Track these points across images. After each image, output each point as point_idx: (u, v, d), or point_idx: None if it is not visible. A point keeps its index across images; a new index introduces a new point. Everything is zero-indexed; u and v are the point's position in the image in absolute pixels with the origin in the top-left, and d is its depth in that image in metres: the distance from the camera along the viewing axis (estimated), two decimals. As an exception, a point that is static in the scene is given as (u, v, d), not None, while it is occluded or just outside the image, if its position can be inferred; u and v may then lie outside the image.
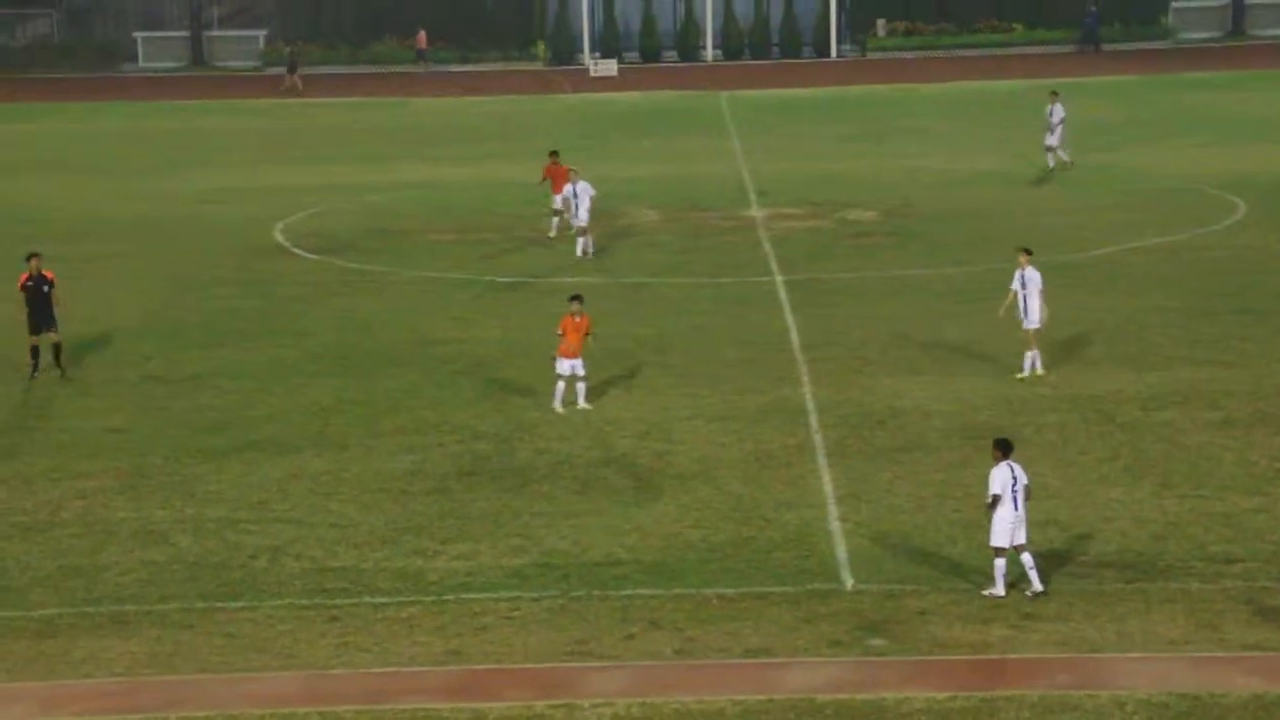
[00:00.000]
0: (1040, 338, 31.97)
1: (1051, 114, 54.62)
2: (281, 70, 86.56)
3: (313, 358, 34.71)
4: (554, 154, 47.29)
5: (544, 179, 47.07)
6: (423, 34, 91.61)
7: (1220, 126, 65.44)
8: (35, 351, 33.38)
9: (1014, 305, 32.07)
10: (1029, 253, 32.36)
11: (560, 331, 30.67)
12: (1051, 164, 54.79)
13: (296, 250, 45.52)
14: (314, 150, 65.22)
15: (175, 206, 52.48)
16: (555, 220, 45.96)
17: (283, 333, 36.76)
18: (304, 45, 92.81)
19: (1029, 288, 31.93)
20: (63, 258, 43.08)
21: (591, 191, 43.65)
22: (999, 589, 22.25)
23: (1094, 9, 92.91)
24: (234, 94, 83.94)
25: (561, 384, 30.50)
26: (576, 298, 31.07)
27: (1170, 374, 31.90)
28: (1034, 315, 31.88)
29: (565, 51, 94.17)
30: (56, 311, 33.49)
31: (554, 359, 30.55)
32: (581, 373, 30.59)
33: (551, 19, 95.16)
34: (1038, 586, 22.20)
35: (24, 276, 33.65)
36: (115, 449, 28.97)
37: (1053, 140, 54.72)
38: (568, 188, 43.93)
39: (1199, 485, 26.15)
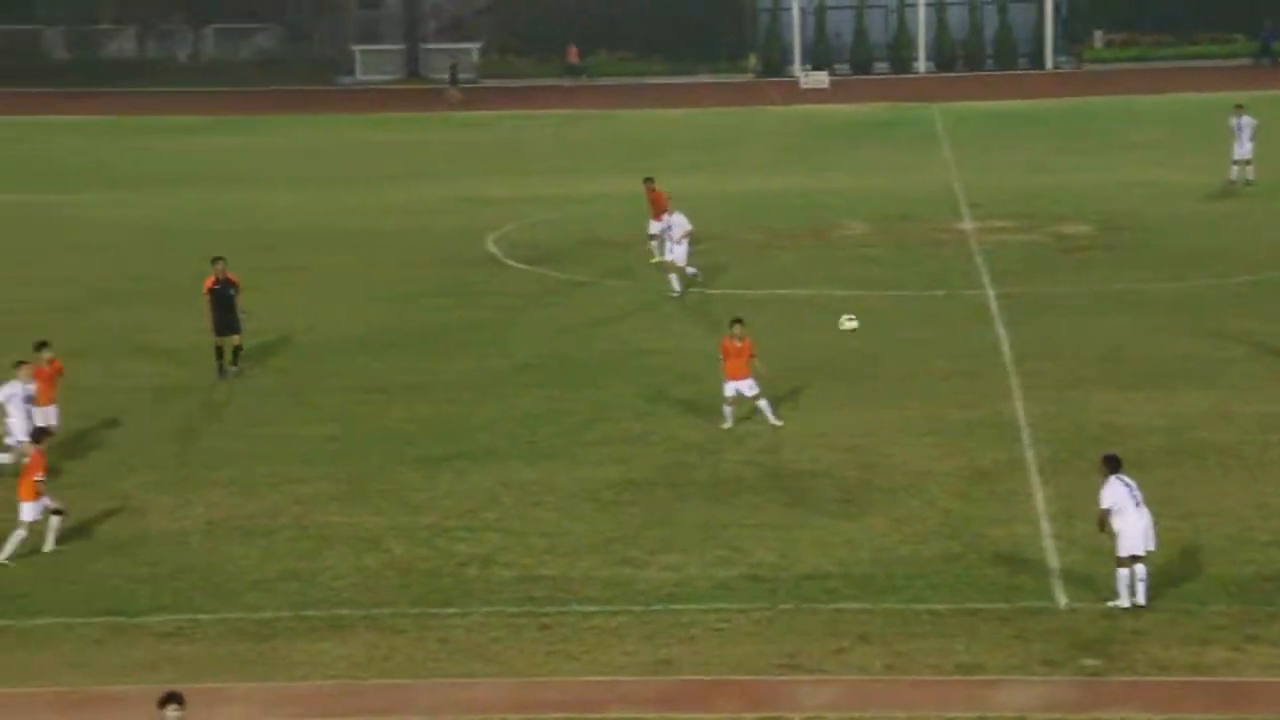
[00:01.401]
0: None
1: (1239, 128, 53.30)
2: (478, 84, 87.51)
3: (522, 368, 35.01)
4: (649, 180, 45.12)
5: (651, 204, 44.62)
6: (574, 48, 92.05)
7: None
8: (220, 352, 34.27)
9: None
10: None
11: (722, 355, 30.41)
12: (1234, 177, 53.45)
13: (508, 261, 45.97)
14: (526, 162, 65.82)
15: (390, 218, 53.24)
16: (654, 244, 43.76)
17: (494, 343, 37.12)
18: (503, 57, 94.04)
19: None
20: (281, 268, 44.06)
21: (687, 226, 40.79)
22: (1124, 600, 21.95)
23: (1268, 23, 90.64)
24: (448, 106, 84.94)
25: (728, 407, 30.24)
26: (737, 321, 30.64)
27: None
28: None
29: (776, 63, 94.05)
30: (241, 316, 34.27)
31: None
32: (750, 393, 30.16)
33: (763, 31, 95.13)
34: (1141, 600, 21.92)
35: (210, 280, 34.47)
36: (331, 456, 29.45)
37: (1243, 153, 53.36)
38: (666, 218, 41.35)
39: None
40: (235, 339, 34.38)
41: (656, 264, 43.37)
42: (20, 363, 28.69)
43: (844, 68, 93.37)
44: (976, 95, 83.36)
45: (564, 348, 36.57)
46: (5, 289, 42.79)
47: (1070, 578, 23.23)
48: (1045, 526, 25.18)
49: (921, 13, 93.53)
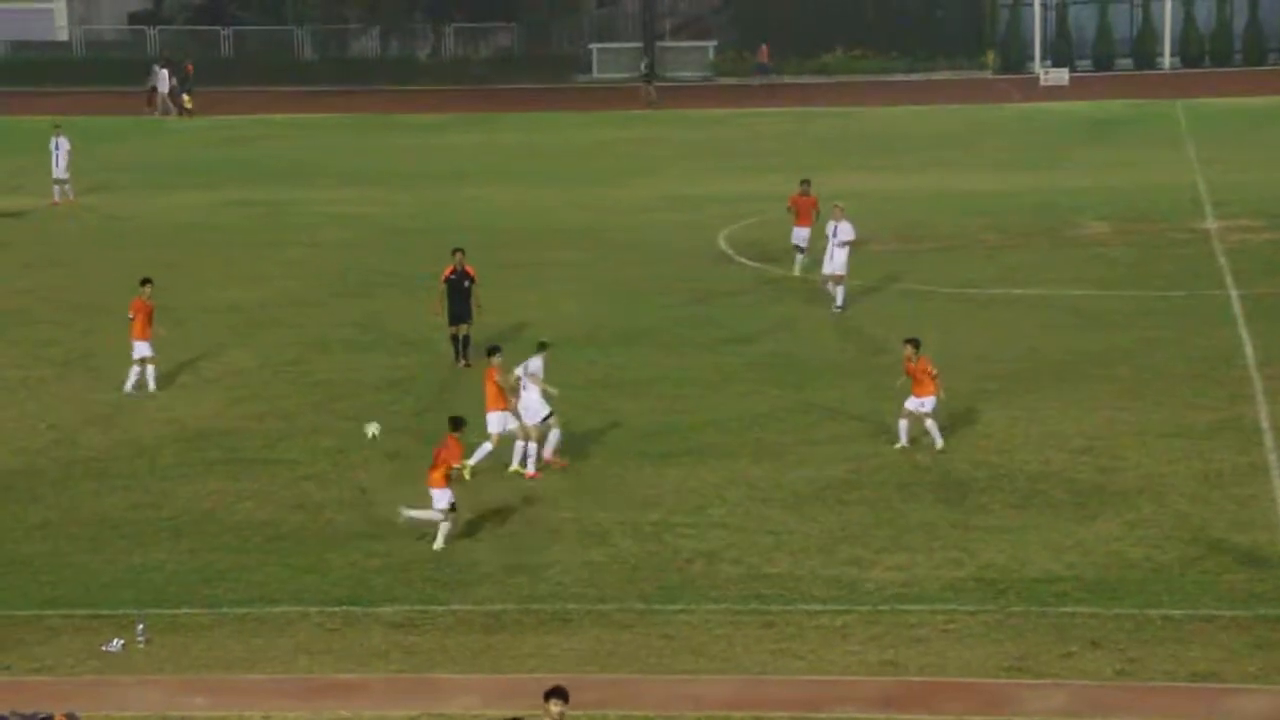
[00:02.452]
0: None
1: None
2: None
3: (753, 365, 34.96)
4: (804, 182, 43.17)
5: (789, 208, 43.14)
6: (764, 48, 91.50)
7: None
8: (455, 340, 35.05)
9: None
10: None
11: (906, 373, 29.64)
12: None
13: (740, 258, 45.95)
14: (758, 159, 65.68)
15: (622, 215, 53.54)
16: (798, 257, 42.31)
17: (725, 340, 37.11)
18: (739, 54, 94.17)
19: None
20: (515, 264, 44.53)
21: (851, 236, 38.67)
22: None
23: None
24: (683, 104, 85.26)
25: (904, 421, 29.29)
26: (910, 341, 29.49)
27: None
28: None
29: (1015, 60, 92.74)
30: (475, 308, 34.98)
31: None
32: (927, 409, 29.09)
33: (1003, 28, 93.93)
34: None
35: (448, 270, 35.18)
36: (561, 450, 29.61)
37: None
38: (830, 224, 38.88)
39: None
40: (465, 328, 35.04)
41: (798, 276, 42.03)
42: (543, 344, 29.45)
43: (1086, 64, 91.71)
44: (1223, 91, 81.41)
45: (794, 345, 36.46)
46: (248, 283, 43.87)
47: (1312, 586, 22.59)
48: (1287, 533, 24.51)
49: (1168, 7, 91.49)
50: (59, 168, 56.11)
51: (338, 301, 41.63)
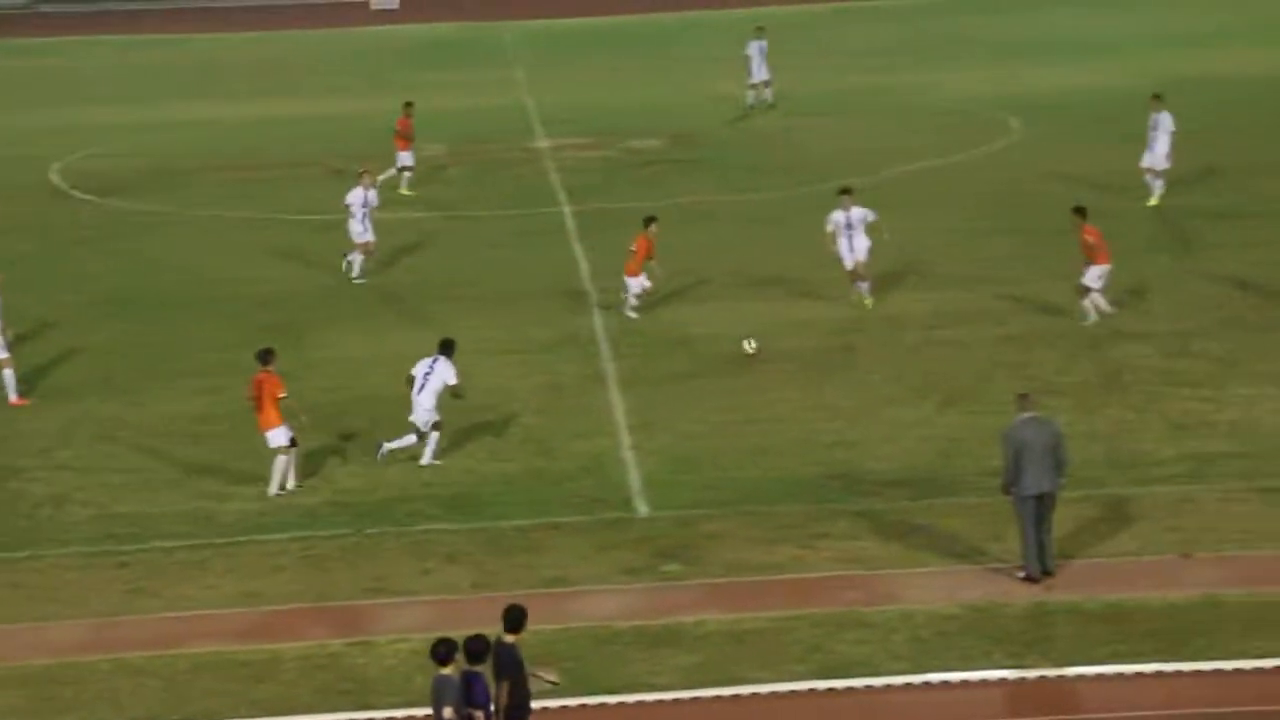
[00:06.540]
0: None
1: (752, 50, 53.61)
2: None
3: (93, 303, 34.06)
4: (408, 105, 44.18)
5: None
6: None
7: (993, 49, 66.21)
8: None
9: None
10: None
11: None
12: (751, 101, 53.98)
13: (74, 192, 44.53)
14: (86, 91, 63.63)
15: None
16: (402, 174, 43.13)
17: (64, 277, 35.98)
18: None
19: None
20: None
21: (872, 218, 32.06)
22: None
23: None
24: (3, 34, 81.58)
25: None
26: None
27: (951, 294, 32.37)
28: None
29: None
30: None
31: None
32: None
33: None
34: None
35: None
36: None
37: (760, 77, 53.67)
38: (841, 215, 31.68)
39: (979, 401, 26.58)
40: None
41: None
42: None
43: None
44: (548, 13, 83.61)
45: (139, 280, 35.78)
46: None
47: (650, 487, 23.78)
48: (624, 438, 25.68)
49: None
50: None
51: None
